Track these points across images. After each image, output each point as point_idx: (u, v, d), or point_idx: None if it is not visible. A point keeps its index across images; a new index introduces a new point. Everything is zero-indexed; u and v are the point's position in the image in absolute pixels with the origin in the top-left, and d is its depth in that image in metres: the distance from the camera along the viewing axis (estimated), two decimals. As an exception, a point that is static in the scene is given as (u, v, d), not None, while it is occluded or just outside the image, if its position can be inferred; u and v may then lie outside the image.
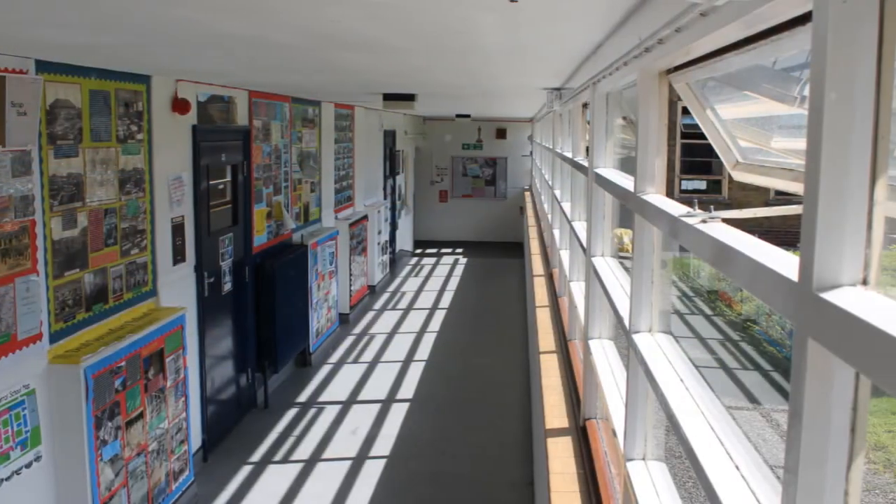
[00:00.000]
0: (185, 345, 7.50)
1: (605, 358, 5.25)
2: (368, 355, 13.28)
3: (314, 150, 13.03)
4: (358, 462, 8.99)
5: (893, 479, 10.69)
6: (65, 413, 5.83)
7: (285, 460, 9.00)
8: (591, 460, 4.96)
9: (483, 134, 26.33)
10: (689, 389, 2.89)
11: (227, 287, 9.46)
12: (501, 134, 26.30)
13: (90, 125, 6.31)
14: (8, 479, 5.34)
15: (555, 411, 6.06)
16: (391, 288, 18.77)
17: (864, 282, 1.44)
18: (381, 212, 18.00)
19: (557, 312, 9.07)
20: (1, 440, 5.28)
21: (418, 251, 24.76)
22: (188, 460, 7.70)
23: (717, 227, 2.38)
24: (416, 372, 12.35)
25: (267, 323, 10.44)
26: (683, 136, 26.21)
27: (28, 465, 5.55)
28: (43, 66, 5.69)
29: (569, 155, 9.30)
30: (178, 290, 7.94)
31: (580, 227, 7.38)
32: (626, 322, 3.72)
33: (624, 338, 3.82)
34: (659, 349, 3.38)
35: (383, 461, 9.03)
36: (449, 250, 25.29)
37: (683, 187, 28.01)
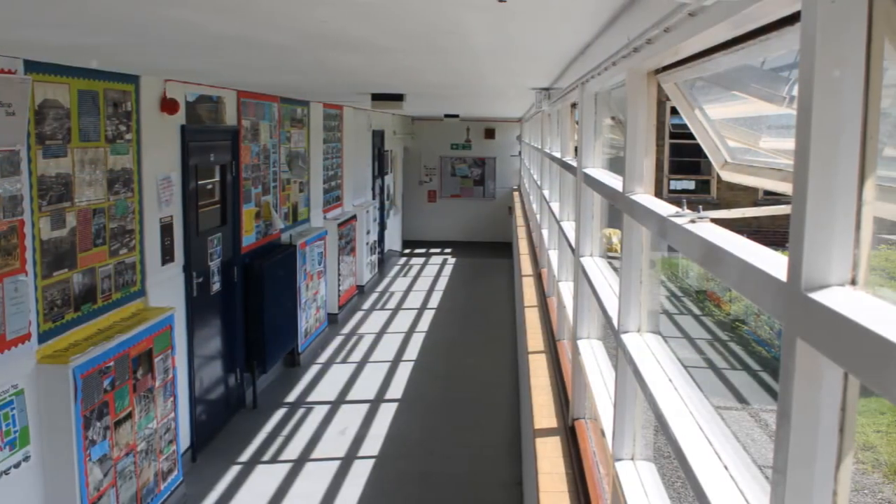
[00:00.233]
0: (173, 345, 7.48)
1: (593, 358, 5.25)
2: (357, 355, 13.26)
3: (303, 150, 13.02)
4: (347, 462, 8.98)
5: (882, 480, 10.72)
6: (53, 413, 5.82)
7: (274, 460, 8.98)
8: (579, 460, 4.97)
9: (472, 134, 26.33)
10: (678, 389, 2.89)
11: (216, 287, 9.44)
12: (490, 134, 26.30)
13: (79, 125, 6.30)
14: (-5, 479, 5.33)
15: (543, 411, 6.06)
16: (380, 288, 18.76)
17: (853, 282, 1.44)
18: (370, 212, 17.99)
19: (546, 312, 9.08)
20: (-12, 441, 5.27)
21: (407, 251, 24.75)
22: (177, 460, 7.68)
23: (706, 227, 2.38)
24: (404, 372, 12.35)
25: (255, 323, 10.42)
26: (672, 136, 26.25)
27: (17, 465, 5.53)
28: (31, 66, 5.67)
29: (557, 155, 9.31)
30: (166, 290, 7.92)
31: (569, 227, 7.39)
32: (615, 322, 3.72)
33: (612, 338, 3.82)
34: (647, 349, 3.38)
35: (372, 461, 9.02)
36: (437, 250, 25.29)
37: (672, 187, 28.04)
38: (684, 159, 27.44)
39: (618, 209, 3.84)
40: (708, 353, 16.56)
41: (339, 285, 14.97)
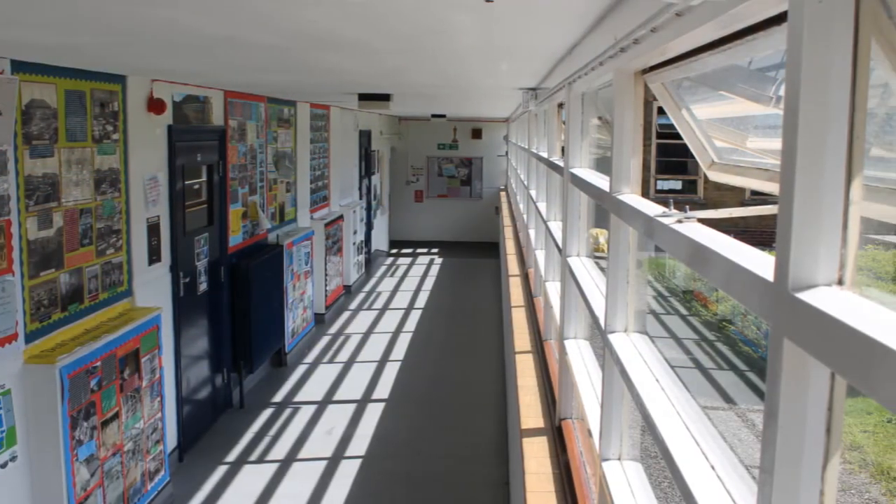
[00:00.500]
0: (160, 345, 7.47)
1: (580, 358, 5.26)
2: (344, 355, 13.25)
3: (290, 151, 13.00)
4: (333, 462, 8.97)
5: (869, 480, 10.76)
6: (40, 413, 5.80)
7: (261, 460, 8.97)
8: (566, 460, 4.97)
9: (459, 134, 26.35)
10: (665, 389, 2.89)
11: (203, 287, 9.42)
12: (477, 134, 26.32)
13: (66, 125, 6.28)
14: (-19, 480, 5.31)
15: (530, 411, 6.07)
16: (367, 288, 18.74)
17: (840, 282, 1.45)
18: (357, 212, 17.97)
19: (533, 312, 9.09)
20: (-27, 442, 5.25)
21: (394, 251, 24.75)
22: (164, 460, 7.66)
23: (693, 227, 2.38)
24: (391, 372, 12.34)
25: (242, 323, 10.40)
26: (659, 136, 26.31)
27: (3, 466, 5.51)
28: (18, 66, 5.65)
29: (544, 155, 9.31)
30: (153, 290, 7.90)
31: (556, 228, 7.39)
32: (602, 322, 3.73)
33: (599, 338, 3.82)
34: (634, 349, 3.39)
35: (359, 461, 9.02)
36: (424, 250, 25.29)
37: (659, 187, 28.12)
38: (671, 159, 27.52)
39: (605, 209, 3.85)
40: (695, 353, 16.59)
41: (325, 285, 14.95)
